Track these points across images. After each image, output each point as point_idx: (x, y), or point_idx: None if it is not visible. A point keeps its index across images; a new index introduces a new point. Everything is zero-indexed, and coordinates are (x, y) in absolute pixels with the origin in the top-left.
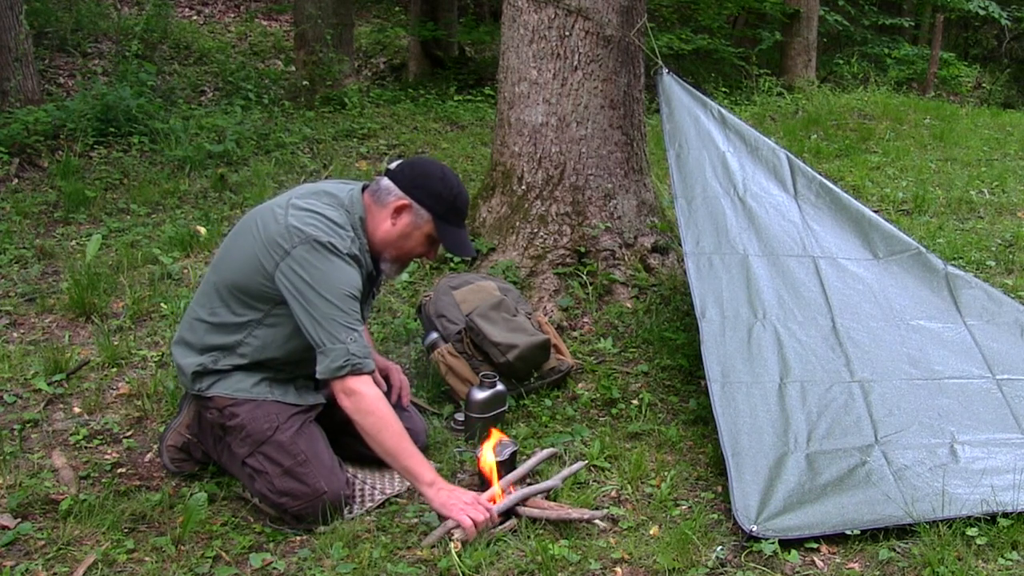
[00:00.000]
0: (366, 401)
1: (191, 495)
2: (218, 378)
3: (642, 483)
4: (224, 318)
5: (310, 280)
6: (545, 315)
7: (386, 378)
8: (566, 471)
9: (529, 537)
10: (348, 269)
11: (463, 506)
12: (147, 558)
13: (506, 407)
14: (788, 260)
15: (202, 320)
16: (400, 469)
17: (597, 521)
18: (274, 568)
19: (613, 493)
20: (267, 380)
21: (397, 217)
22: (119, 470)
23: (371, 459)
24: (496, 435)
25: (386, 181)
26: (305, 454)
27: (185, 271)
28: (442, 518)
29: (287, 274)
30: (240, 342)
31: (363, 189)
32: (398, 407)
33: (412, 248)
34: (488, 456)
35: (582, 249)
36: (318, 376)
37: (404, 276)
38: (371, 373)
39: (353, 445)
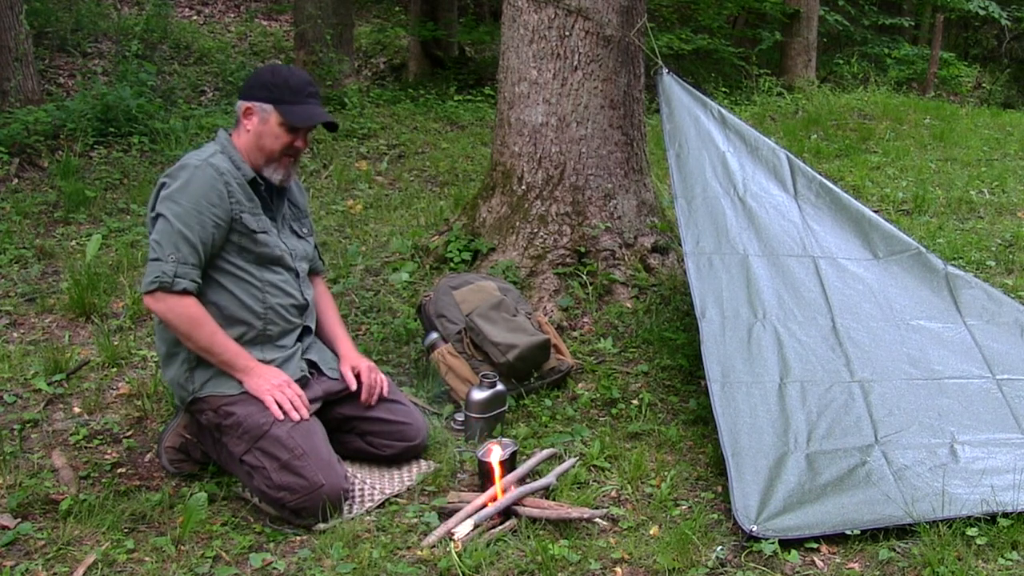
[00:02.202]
0: (178, 304)
1: (191, 495)
2: (210, 375)
3: (642, 483)
4: None
5: (161, 201)
6: (545, 315)
7: (357, 376)
8: (559, 468)
9: (529, 537)
10: (200, 180)
11: (270, 387)
12: (147, 558)
13: (506, 407)
14: (788, 260)
15: (159, 322)
16: (218, 363)
17: (597, 520)
18: (274, 568)
19: (613, 493)
20: None
21: (248, 120)
22: (119, 470)
23: (371, 458)
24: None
25: (236, 104)
26: (302, 447)
27: None
28: (443, 517)
29: (153, 208)
30: None
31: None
32: (391, 401)
33: (274, 144)
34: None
35: (582, 249)
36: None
37: (404, 276)
38: (183, 292)
39: (352, 443)
